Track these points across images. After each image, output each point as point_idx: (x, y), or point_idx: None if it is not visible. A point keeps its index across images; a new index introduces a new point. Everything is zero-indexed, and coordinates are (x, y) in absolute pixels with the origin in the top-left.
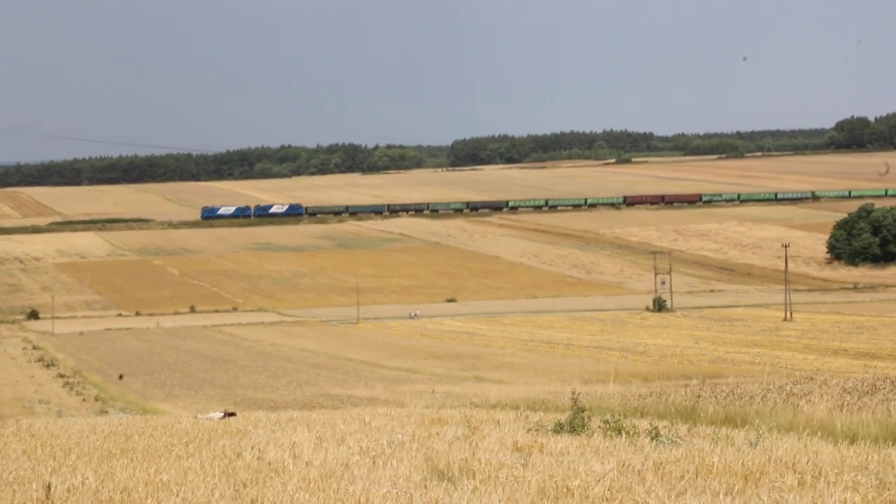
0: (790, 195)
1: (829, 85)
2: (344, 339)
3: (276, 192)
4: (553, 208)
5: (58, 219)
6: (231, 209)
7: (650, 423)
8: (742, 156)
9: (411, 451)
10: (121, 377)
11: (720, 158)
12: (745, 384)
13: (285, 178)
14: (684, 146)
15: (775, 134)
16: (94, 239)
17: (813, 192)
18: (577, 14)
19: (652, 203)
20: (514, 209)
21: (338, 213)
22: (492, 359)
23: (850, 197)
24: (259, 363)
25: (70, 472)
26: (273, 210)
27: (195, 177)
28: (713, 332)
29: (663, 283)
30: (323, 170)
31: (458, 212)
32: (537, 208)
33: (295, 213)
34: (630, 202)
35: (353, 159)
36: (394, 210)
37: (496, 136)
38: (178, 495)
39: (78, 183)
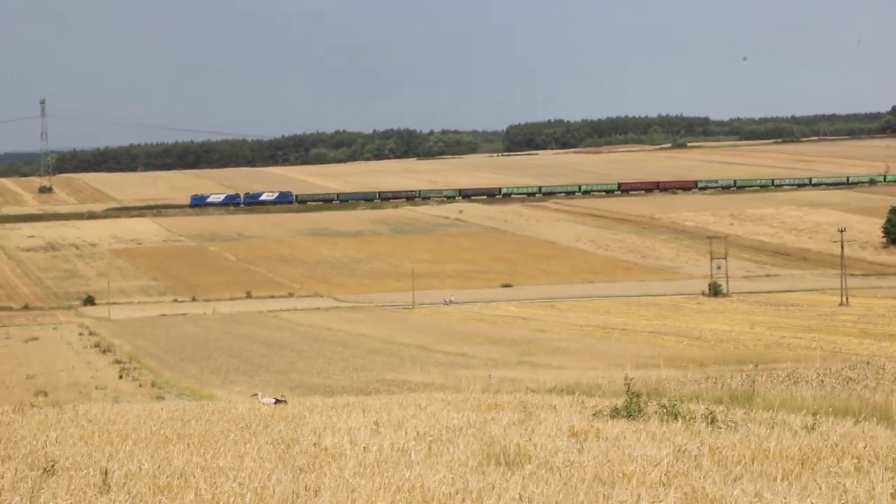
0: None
1: (885, 68)
2: (399, 323)
3: (332, 178)
4: (548, 195)
5: (113, 204)
6: (220, 197)
7: (706, 408)
8: (798, 140)
9: (467, 436)
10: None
11: (776, 143)
12: (801, 369)
13: (341, 164)
14: (739, 131)
15: (831, 118)
16: (150, 224)
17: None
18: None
19: (647, 190)
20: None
21: (328, 200)
22: (547, 344)
23: None
24: (315, 348)
25: (127, 458)
26: (263, 197)
27: (250, 162)
28: (769, 316)
29: (719, 267)
30: (378, 155)
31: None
32: (530, 195)
33: (285, 201)
34: (624, 188)
35: (408, 144)
36: (385, 198)
37: (551, 120)
38: (234, 480)
39: (133, 169)
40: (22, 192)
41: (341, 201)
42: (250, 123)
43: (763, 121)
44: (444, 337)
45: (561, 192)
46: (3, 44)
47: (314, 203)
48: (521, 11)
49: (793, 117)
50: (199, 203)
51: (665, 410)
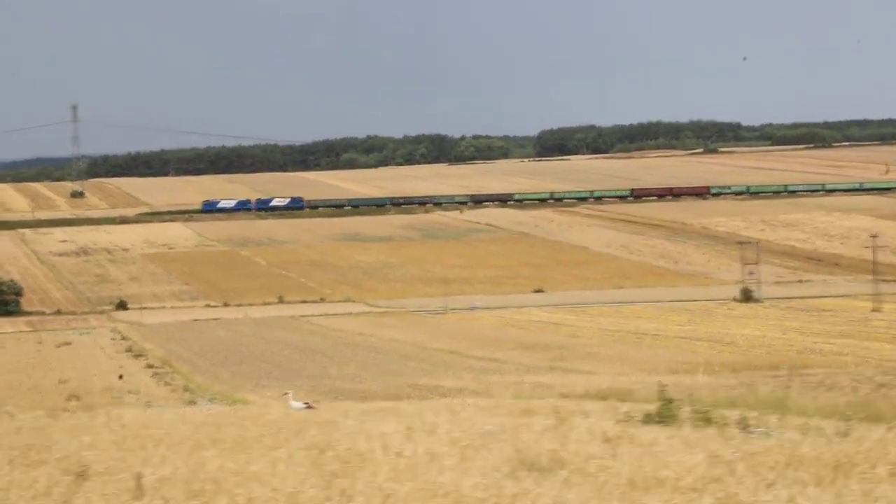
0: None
1: None
2: (431, 329)
3: (363, 183)
4: (558, 200)
5: (145, 209)
6: (232, 202)
7: (739, 414)
8: (829, 145)
9: (500, 442)
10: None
11: (807, 148)
12: (834, 375)
13: (372, 169)
14: (771, 136)
15: (862, 123)
16: (182, 229)
17: None
18: (664, 3)
19: (659, 196)
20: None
21: (339, 206)
22: (579, 349)
23: None
24: (347, 353)
25: (160, 463)
26: (274, 203)
27: (282, 167)
28: (801, 322)
29: (751, 273)
30: (409, 160)
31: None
32: (542, 200)
33: (296, 207)
34: (637, 194)
35: (439, 149)
36: (396, 203)
37: (583, 125)
38: (268, 486)
39: (165, 173)
40: (54, 197)
41: (352, 207)
42: (282, 128)
43: (795, 126)
44: (477, 342)
45: (572, 198)
46: (35, 49)
47: (325, 209)
48: (553, 17)
49: (824, 122)
50: (210, 209)
51: (698, 416)
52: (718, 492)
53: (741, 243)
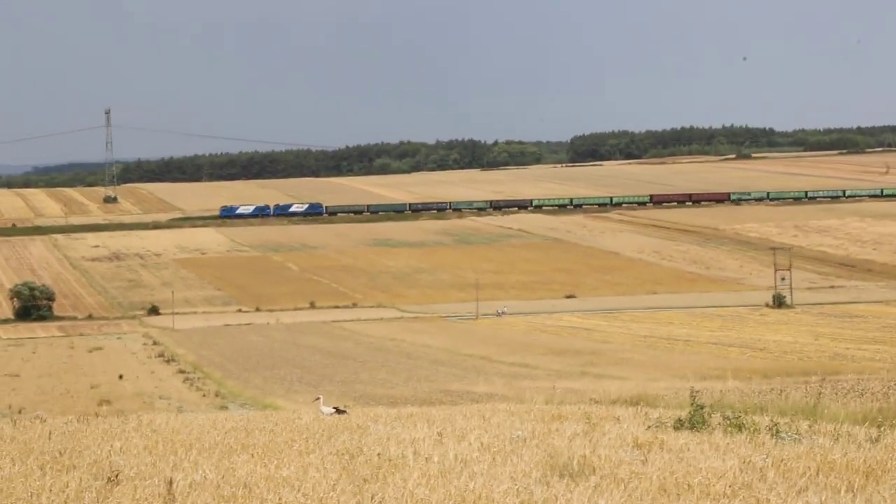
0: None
1: None
2: (463, 334)
3: (395, 188)
4: (577, 207)
5: (178, 214)
6: (250, 208)
7: (771, 420)
8: (862, 151)
9: (531, 448)
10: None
11: (841, 153)
12: (866, 381)
13: (404, 174)
14: (804, 141)
15: None
16: (214, 234)
17: None
18: (698, 9)
19: (679, 202)
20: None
21: (358, 211)
22: (611, 355)
23: None
24: (378, 359)
25: (192, 468)
26: (293, 209)
27: (314, 172)
28: (833, 328)
29: (783, 279)
30: (442, 165)
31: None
32: (561, 206)
33: (315, 213)
34: (656, 200)
35: (472, 155)
36: (415, 209)
37: (616, 131)
38: (299, 491)
39: (198, 179)
40: (87, 202)
41: (371, 213)
42: (315, 134)
43: (828, 132)
44: (508, 348)
45: (593, 204)
46: (69, 55)
47: (344, 214)
48: (587, 23)
49: (858, 128)
50: (228, 214)
51: (729, 422)
52: (749, 498)
53: (773, 249)
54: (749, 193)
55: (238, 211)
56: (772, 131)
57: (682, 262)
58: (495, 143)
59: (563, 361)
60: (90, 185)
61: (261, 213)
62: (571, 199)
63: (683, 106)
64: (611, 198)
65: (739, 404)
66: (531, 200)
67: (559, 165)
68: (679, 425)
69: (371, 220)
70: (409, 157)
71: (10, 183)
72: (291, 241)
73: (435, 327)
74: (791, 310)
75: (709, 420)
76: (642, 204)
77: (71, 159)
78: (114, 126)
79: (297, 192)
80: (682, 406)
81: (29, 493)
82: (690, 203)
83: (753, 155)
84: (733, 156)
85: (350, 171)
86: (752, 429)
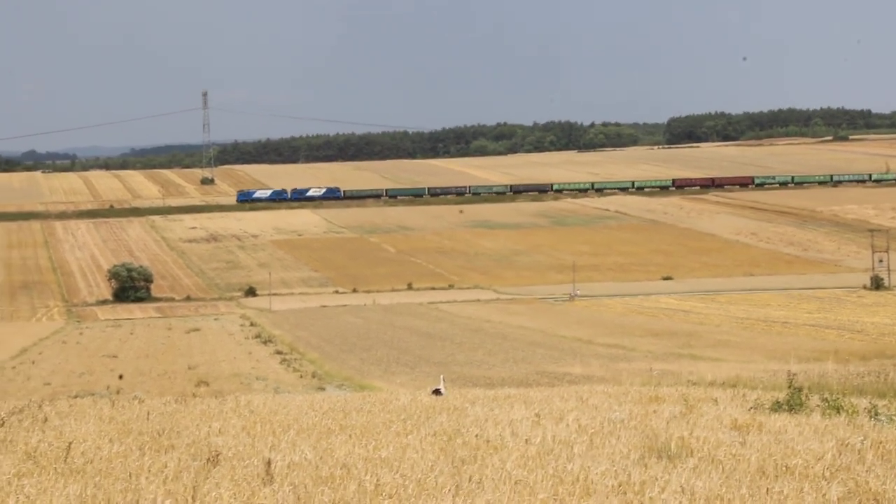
0: None
1: None
2: (559, 316)
3: (492, 170)
4: (599, 191)
5: None
6: (267, 192)
7: (869, 402)
8: None
9: (629, 429)
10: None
11: None
12: None
13: (501, 156)
14: None
15: None
16: (311, 216)
17: None
18: None
19: (703, 186)
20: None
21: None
22: (707, 337)
23: None
24: (475, 340)
25: (289, 448)
26: (310, 193)
27: (411, 154)
28: None
29: (881, 261)
30: (538, 147)
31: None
32: (582, 191)
33: (333, 197)
34: (679, 185)
35: (568, 137)
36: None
37: (713, 113)
38: (396, 472)
39: (294, 160)
40: (184, 184)
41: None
42: (411, 115)
43: None
44: (604, 329)
45: (615, 188)
46: (167, 38)
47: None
48: (683, 4)
49: None
50: (245, 199)
51: (827, 404)
52: (848, 480)
53: (871, 231)
54: (773, 177)
55: (256, 195)
56: (869, 113)
57: (779, 243)
58: (592, 125)
59: (659, 343)
60: (187, 166)
61: (278, 198)
62: (592, 184)
63: (781, 87)
64: (633, 182)
65: (837, 386)
66: (551, 185)
67: (655, 147)
68: (777, 407)
69: (470, 202)
70: (505, 139)
71: (107, 164)
72: (388, 223)
73: (531, 309)
74: (889, 291)
75: (807, 402)
76: (664, 188)
77: (168, 141)
78: (211, 108)
79: (394, 173)
80: (780, 388)
81: (128, 473)
82: (714, 187)
83: (851, 137)
84: (830, 138)
85: (447, 154)
86: (850, 411)
